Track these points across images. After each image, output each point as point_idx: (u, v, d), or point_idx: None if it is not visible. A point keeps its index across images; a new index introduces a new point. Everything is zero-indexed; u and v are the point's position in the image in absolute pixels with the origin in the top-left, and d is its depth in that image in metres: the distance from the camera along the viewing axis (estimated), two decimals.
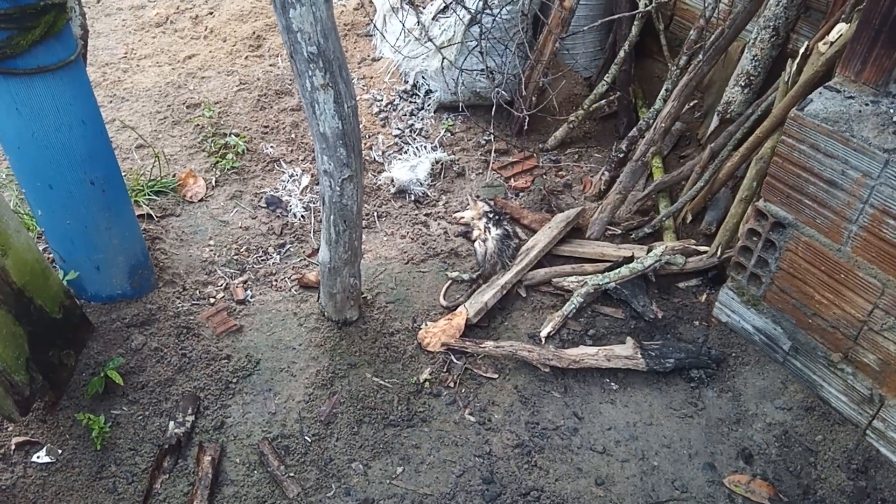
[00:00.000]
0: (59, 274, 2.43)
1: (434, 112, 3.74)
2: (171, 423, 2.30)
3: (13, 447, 2.19)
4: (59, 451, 2.22)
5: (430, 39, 3.44)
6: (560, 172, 3.51)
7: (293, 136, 3.57)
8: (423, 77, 3.76)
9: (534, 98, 3.55)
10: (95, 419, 2.23)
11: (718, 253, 2.79)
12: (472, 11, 3.43)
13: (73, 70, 2.08)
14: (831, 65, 2.52)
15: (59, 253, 2.47)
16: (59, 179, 2.21)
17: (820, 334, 2.36)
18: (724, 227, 2.82)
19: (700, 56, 2.96)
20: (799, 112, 2.13)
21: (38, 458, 2.18)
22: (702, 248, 2.88)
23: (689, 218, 3.07)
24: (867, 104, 2.10)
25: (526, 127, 3.64)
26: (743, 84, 3.12)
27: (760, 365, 2.57)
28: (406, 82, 3.85)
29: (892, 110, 2.06)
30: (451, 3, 3.57)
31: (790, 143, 2.20)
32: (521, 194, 3.39)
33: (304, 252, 3.03)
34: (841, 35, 2.56)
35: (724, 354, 2.61)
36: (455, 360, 2.60)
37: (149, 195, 3.14)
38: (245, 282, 2.87)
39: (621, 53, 3.44)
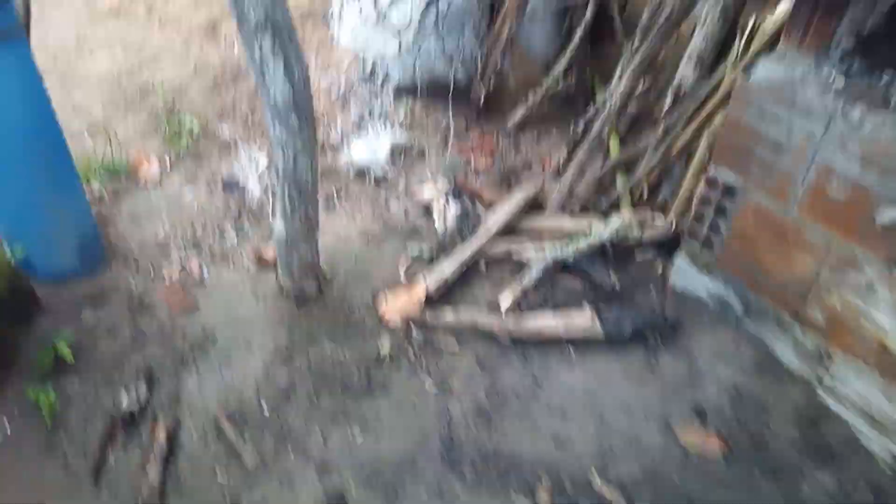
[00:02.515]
0: (7, 251, 2.37)
1: (393, 95, 3.74)
2: (125, 396, 2.25)
3: None
4: (7, 429, 2.15)
5: (387, 23, 3.45)
6: (520, 152, 3.55)
7: (249, 119, 3.54)
8: (381, 60, 3.76)
9: (492, 80, 3.58)
10: (45, 393, 2.17)
11: (673, 223, 2.85)
12: None
13: (12, 41, 2.04)
14: (776, 38, 2.59)
15: (5, 229, 2.41)
16: (3, 153, 2.16)
17: (770, 295, 2.42)
18: (678, 199, 2.88)
19: (651, 35, 3.01)
20: (746, 78, 2.19)
21: None
22: (657, 220, 2.93)
23: (646, 192, 3.12)
24: (810, 69, 2.17)
25: (485, 109, 3.67)
26: (695, 61, 3.19)
27: (714, 328, 2.62)
28: (364, 66, 3.84)
29: (833, 74, 2.13)
30: None
31: (738, 109, 2.26)
32: (481, 174, 3.41)
33: (261, 234, 3.00)
34: (786, 10, 2.64)
35: (679, 320, 2.65)
36: (415, 332, 2.60)
37: (101, 177, 3.07)
38: (201, 261, 2.83)
39: (577, 36, 3.50)
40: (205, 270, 2.79)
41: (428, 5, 3.51)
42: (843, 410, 2.31)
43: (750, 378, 2.45)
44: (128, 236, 2.87)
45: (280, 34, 1.93)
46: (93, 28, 4.21)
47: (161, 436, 2.14)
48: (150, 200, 3.07)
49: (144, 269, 2.74)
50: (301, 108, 2.10)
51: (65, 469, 2.08)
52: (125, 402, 2.22)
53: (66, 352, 2.25)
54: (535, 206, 3.12)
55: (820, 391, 2.37)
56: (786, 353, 2.45)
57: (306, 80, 2.09)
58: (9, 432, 2.17)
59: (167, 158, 3.27)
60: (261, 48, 1.93)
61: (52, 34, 4.13)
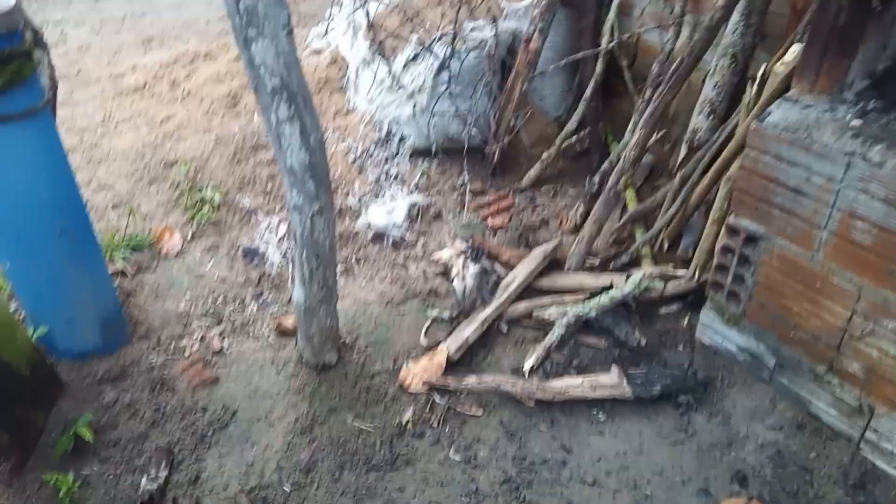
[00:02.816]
0: (29, 329, 2.39)
1: (409, 157, 3.78)
2: (144, 478, 2.21)
3: None
4: None
5: (401, 87, 3.51)
6: (536, 209, 3.53)
7: (269, 187, 3.58)
8: (396, 124, 3.82)
9: (506, 139, 3.60)
10: (63, 479, 2.14)
11: (696, 275, 2.78)
12: (441, 57, 3.52)
13: (40, 119, 2.09)
14: (788, 82, 2.57)
15: (28, 307, 2.43)
16: (26, 230, 2.20)
17: (803, 347, 2.33)
18: (699, 250, 2.82)
19: (662, 86, 3.02)
20: (759, 123, 2.16)
21: None
22: (679, 272, 2.87)
23: (666, 244, 3.07)
24: (824, 111, 2.14)
25: (500, 167, 3.68)
26: (707, 111, 3.18)
27: (748, 385, 2.52)
28: (380, 130, 3.90)
29: (848, 115, 2.10)
30: (420, 51, 3.66)
31: (754, 156, 2.22)
32: (498, 232, 3.39)
33: (281, 300, 3.00)
34: (796, 54, 2.63)
35: (710, 377, 2.56)
36: (438, 399, 2.54)
37: (124, 252, 3.11)
38: (222, 332, 2.82)
39: (588, 91, 3.52)
40: (225, 342, 2.78)
41: (440, 69, 3.57)
42: (890, 469, 2.19)
43: (789, 437, 2.34)
44: (149, 310, 2.88)
45: (296, 100, 1.95)
46: (118, 105, 4.35)
47: None
48: (171, 272, 3.10)
49: (165, 343, 2.74)
50: (317, 173, 2.11)
51: None
52: (145, 485, 2.18)
53: (87, 434, 2.24)
54: (554, 263, 3.08)
55: (864, 448, 2.25)
56: (824, 408, 2.34)
57: (322, 145, 2.10)
58: None
59: (188, 230, 3.31)
60: (277, 114, 1.96)
61: (79, 113, 4.28)
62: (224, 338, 2.80)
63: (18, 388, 2.19)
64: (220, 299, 2.98)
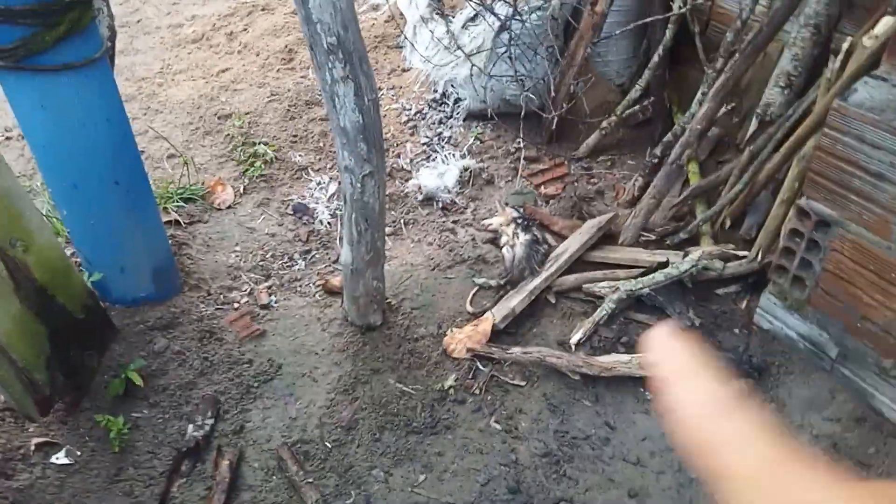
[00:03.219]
0: (84, 275, 2.44)
1: (463, 120, 3.70)
2: (191, 426, 2.26)
3: (33, 448, 2.17)
4: (78, 453, 2.19)
5: (459, 48, 3.41)
6: (592, 179, 3.42)
7: (321, 144, 3.56)
8: (452, 86, 3.73)
9: (564, 104, 3.48)
10: (114, 421, 2.20)
11: (759, 257, 2.66)
12: (502, 18, 3.40)
13: (98, 68, 2.09)
14: (877, 58, 2.39)
15: (84, 254, 2.48)
16: (83, 178, 2.22)
17: (870, 339, 2.21)
18: (764, 231, 2.69)
19: (736, 56, 2.85)
20: (842, 102, 2.02)
21: (56, 459, 2.15)
22: (741, 253, 2.75)
23: (728, 223, 2.94)
24: None
25: (557, 134, 3.57)
26: (783, 85, 2.99)
27: (806, 373, 2.42)
28: (435, 91, 3.82)
29: None
30: (481, 10, 3.54)
31: (833, 136, 2.08)
32: (551, 202, 3.31)
33: (329, 258, 2.99)
34: (888, 27, 2.43)
35: (766, 363, 2.46)
36: (481, 367, 2.52)
37: (177, 202, 3.15)
38: (269, 287, 2.84)
39: (655, 58, 3.35)
40: (272, 297, 2.80)
41: (501, 28, 3.45)
42: None
43: (847, 430, 2.24)
44: (200, 261, 2.92)
45: (351, 59, 1.90)
46: (176, 56, 4.37)
47: (224, 468, 2.13)
48: (223, 225, 3.12)
49: (215, 294, 2.78)
50: (370, 135, 2.07)
51: (130, 496, 2.10)
52: (191, 431, 2.22)
53: (137, 379, 2.28)
54: (607, 236, 2.99)
55: None
56: (889, 403, 2.23)
57: (376, 106, 2.05)
58: (80, 454, 2.21)
59: (241, 183, 3.32)
60: (331, 73, 1.92)
61: (138, 62, 4.31)
62: (272, 293, 2.82)
63: (73, 331, 2.25)
64: (269, 254, 3.00)
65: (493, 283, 2.83)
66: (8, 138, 3.69)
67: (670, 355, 0.52)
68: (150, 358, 2.45)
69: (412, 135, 3.66)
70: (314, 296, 2.81)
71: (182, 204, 3.15)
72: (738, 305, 2.70)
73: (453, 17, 3.72)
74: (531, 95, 3.30)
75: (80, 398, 2.29)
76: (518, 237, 2.85)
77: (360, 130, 2.02)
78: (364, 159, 2.08)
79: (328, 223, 3.16)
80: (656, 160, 3.21)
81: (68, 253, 2.73)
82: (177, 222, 3.05)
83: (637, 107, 3.51)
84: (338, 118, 2.00)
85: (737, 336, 2.60)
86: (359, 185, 2.14)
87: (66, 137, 2.10)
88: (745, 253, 2.74)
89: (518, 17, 3.29)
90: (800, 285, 2.37)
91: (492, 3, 3.43)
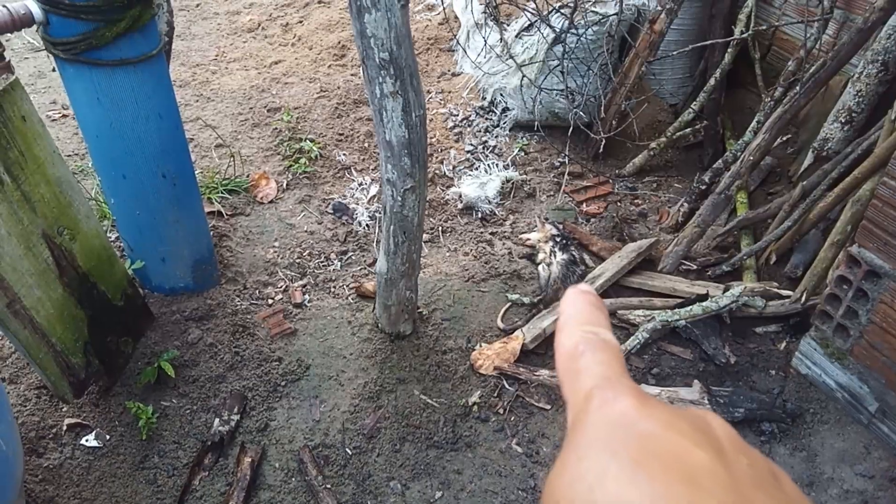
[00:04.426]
0: (126, 263, 2.49)
1: (509, 130, 3.67)
2: (217, 419, 2.30)
3: (65, 428, 2.23)
4: (107, 437, 2.25)
5: (511, 57, 3.38)
6: (636, 200, 3.37)
7: (366, 145, 3.57)
8: (501, 94, 3.70)
9: (614, 122, 3.43)
10: (144, 408, 2.25)
11: (803, 299, 2.58)
12: (557, 30, 3.35)
13: (154, 64, 2.13)
14: None
15: (128, 242, 2.53)
16: (132, 170, 2.27)
17: None
18: (811, 272, 2.61)
19: (797, 88, 2.77)
20: None
21: (86, 441, 2.21)
22: (784, 292, 2.67)
23: (773, 259, 2.86)
24: None
25: (603, 151, 3.52)
26: (843, 120, 2.90)
27: (841, 425, 2.34)
28: (484, 99, 3.80)
29: None
30: (536, 21, 3.51)
31: (893, 186, 2.00)
32: (592, 220, 3.26)
33: (364, 261, 3.01)
34: None
35: (800, 409, 2.39)
36: (507, 386, 2.50)
37: (222, 193, 3.19)
38: (304, 286, 2.86)
39: (712, 81, 3.28)
40: (306, 296, 2.82)
41: (554, 42, 3.41)
42: None
43: (880, 489, 2.17)
44: (239, 254, 2.96)
45: (402, 76, 1.90)
46: (232, 44, 4.43)
47: (246, 466, 2.16)
48: (263, 219, 3.16)
49: (251, 288, 2.81)
50: (415, 151, 2.06)
51: (153, 485, 2.14)
52: (217, 426, 2.26)
53: (169, 369, 2.33)
54: (647, 261, 2.94)
55: None
56: None
57: (423, 123, 2.05)
58: (109, 438, 2.26)
59: (284, 179, 3.35)
60: (381, 88, 1.91)
61: (194, 48, 4.39)
62: (306, 291, 2.84)
63: (112, 318, 2.30)
64: (306, 252, 3.02)
65: (526, 300, 2.81)
66: (65, 116, 3.79)
67: (572, 321, 0.47)
68: (183, 348, 2.50)
69: (457, 141, 3.64)
70: (347, 298, 2.83)
71: (226, 195, 3.19)
72: (777, 346, 2.63)
73: (508, 25, 3.69)
74: (580, 112, 3.25)
75: (112, 383, 2.35)
76: (555, 255, 2.82)
77: (405, 145, 2.01)
78: (407, 174, 2.08)
79: (367, 225, 3.17)
80: (704, 186, 3.14)
81: (112, 237, 2.80)
82: (219, 213, 3.10)
83: (689, 129, 3.44)
84: (384, 132, 2.00)
85: (772, 378, 2.53)
86: (400, 198, 2.14)
87: (118, 130, 2.14)
88: (789, 292, 2.66)
89: (573, 31, 3.24)
90: (843, 334, 2.29)
91: (548, 14, 3.39)
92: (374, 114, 2.01)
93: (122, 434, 2.26)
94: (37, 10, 1.85)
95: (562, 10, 3.37)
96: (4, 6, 1.84)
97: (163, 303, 2.63)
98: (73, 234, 2.05)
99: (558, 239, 2.92)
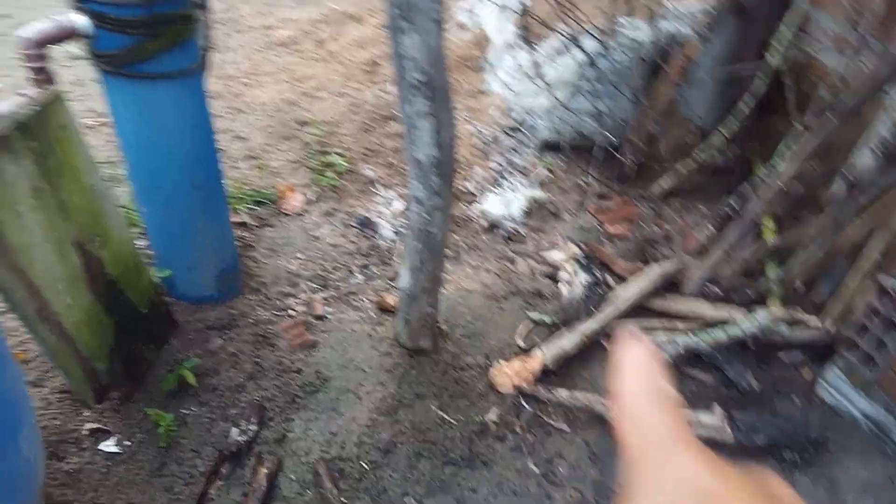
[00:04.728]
0: (152, 271, 2.54)
1: (535, 150, 3.68)
2: (235, 429, 2.32)
3: (85, 432, 2.27)
4: (127, 443, 2.28)
5: (541, 77, 3.40)
6: (661, 222, 3.34)
7: (393, 161, 3.61)
8: (528, 114, 3.72)
9: (642, 144, 3.41)
10: (164, 416, 2.28)
11: (830, 327, 2.53)
12: (589, 53, 3.36)
13: (191, 79, 2.18)
14: None
15: (156, 250, 2.58)
16: (165, 180, 2.32)
17: None
18: (838, 299, 2.56)
19: (829, 115, 2.73)
20: None
21: (106, 446, 2.24)
22: (810, 319, 2.63)
23: (800, 287, 2.82)
24: None
25: (630, 173, 3.51)
26: (875, 148, 2.85)
27: (865, 455, 2.29)
28: (511, 118, 3.82)
29: None
30: (568, 43, 3.52)
31: None
32: (615, 241, 3.25)
33: (386, 275, 3.03)
34: None
35: (824, 438, 2.34)
36: (525, 405, 2.49)
37: (249, 204, 3.24)
38: (326, 298, 2.89)
39: (743, 106, 3.25)
40: (327, 308, 2.84)
41: (588, 63, 3.42)
42: None
43: None
44: (263, 265, 3.00)
45: (435, 97, 1.91)
46: (265, 58, 4.52)
47: (262, 477, 2.17)
48: (288, 231, 3.20)
49: (273, 299, 2.84)
50: (443, 170, 2.08)
51: (170, 493, 2.16)
52: (235, 435, 2.28)
53: (190, 377, 2.36)
54: (671, 283, 2.91)
55: None
56: None
57: (453, 142, 2.06)
58: (128, 443, 2.29)
59: (310, 192, 3.40)
60: (414, 107, 1.94)
61: (228, 60, 4.48)
62: (327, 303, 2.86)
63: (137, 325, 2.34)
64: (329, 265, 3.05)
65: (547, 319, 2.80)
66: (102, 124, 3.88)
67: (632, 372, 0.48)
68: (205, 357, 2.53)
69: (483, 159, 3.66)
70: (368, 312, 2.84)
71: (253, 207, 3.24)
72: (801, 373, 2.58)
73: (539, 46, 3.71)
74: (608, 134, 3.25)
75: (134, 389, 2.38)
76: (577, 275, 2.81)
77: (434, 164, 2.03)
78: (435, 192, 2.09)
79: (390, 240, 3.19)
80: (730, 210, 3.11)
81: (140, 245, 2.86)
82: (246, 224, 3.15)
83: (717, 153, 3.41)
84: (414, 149, 2.02)
85: (795, 405, 2.49)
86: (426, 216, 2.15)
87: (156, 141, 2.19)
88: (815, 320, 2.62)
89: (605, 54, 3.25)
90: (870, 364, 2.25)
91: (580, 37, 3.40)
92: (405, 131, 2.04)
93: (141, 441, 2.29)
94: (85, 24, 1.91)
95: (595, 35, 3.39)
96: (54, 18, 1.90)
97: (187, 311, 2.67)
98: (103, 241, 2.10)
99: (581, 258, 2.91)
